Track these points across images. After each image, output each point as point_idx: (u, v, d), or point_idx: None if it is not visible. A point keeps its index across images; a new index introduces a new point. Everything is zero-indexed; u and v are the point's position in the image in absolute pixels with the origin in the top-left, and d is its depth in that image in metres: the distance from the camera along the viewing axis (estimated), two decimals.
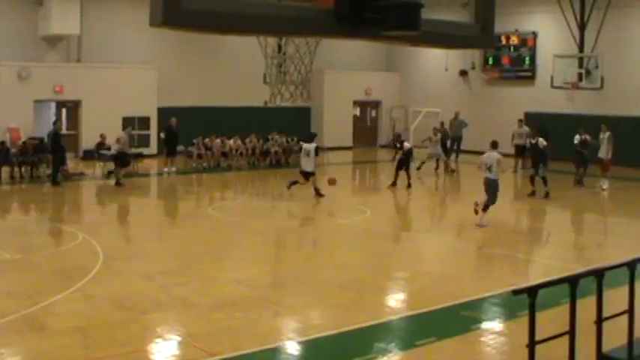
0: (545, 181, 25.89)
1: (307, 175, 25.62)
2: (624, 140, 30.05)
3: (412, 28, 6.88)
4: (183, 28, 6.97)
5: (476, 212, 21.36)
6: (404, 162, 28.26)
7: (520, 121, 34.68)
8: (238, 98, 38.68)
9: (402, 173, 27.90)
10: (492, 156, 21.32)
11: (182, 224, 22.66)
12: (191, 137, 33.16)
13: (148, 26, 6.96)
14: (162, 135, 33.15)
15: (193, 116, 35.52)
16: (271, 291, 14.86)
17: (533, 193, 26.19)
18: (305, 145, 25.89)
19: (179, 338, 11.67)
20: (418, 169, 31.42)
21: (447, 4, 29.06)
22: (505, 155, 34.59)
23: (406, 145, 28.58)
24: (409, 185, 28.08)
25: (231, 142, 34.02)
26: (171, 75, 37.13)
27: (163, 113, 35.55)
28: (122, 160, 29.09)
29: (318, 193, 25.72)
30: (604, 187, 27.90)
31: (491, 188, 21.34)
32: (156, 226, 22.11)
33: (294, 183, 25.58)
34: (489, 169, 21.26)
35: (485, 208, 21.26)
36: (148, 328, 12.15)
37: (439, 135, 33.33)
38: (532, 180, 26.57)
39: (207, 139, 33.60)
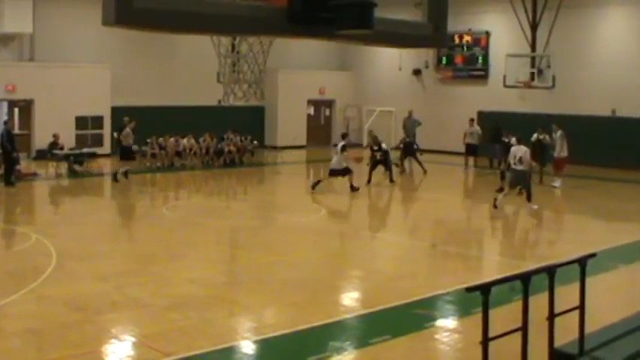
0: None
1: (332, 173, 26.99)
2: (575, 139, 30.33)
3: (365, 27, 6.91)
4: (137, 28, 6.94)
5: (495, 207, 23.33)
6: (384, 162, 28.77)
7: (471, 120, 34.86)
8: (192, 97, 38.53)
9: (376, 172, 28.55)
10: (522, 148, 23.20)
11: (136, 224, 22.55)
12: (145, 137, 32.99)
13: (101, 25, 6.92)
14: (116, 135, 32.90)
15: (147, 115, 35.30)
16: (226, 290, 14.84)
17: (501, 190, 26.46)
18: (339, 145, 27.37)
19: (134, 339, 11.60)
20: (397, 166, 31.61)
21: (400, 3, 29.14)
22: (457, 154, 35.11)
23: (384, 146, 28.98)
24: (392, 180, 29.07)
25: (185, 141, 33.89)
26: (125, 74, 36.87)
27: (117, 113, 35.29)
28: (127, 155, 29.73)
29: (353, 188, 26.64)
30: (556, 185, 28.16)
31: (524, 179, 23.39)
32: (110, 227, 21.95)
33: (318, 183, 27.03)
34: (519, 160, 22.82)
35: (529, 197, 23.52)
36: (103, 329, 12.06)
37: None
38: (502, 175, 26.98)
39: (161, 139, 33.44)
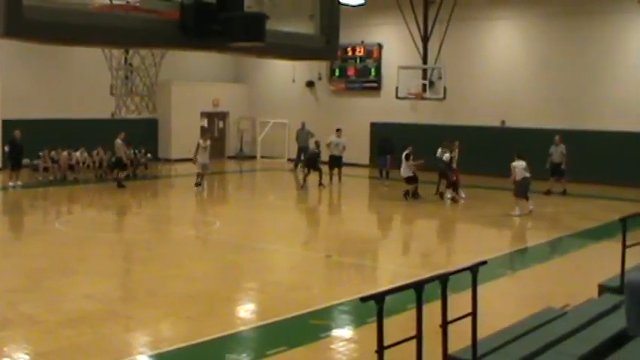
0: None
1: (409, 180, 27.90)
2: (465, 149, 30.77)
3: (257, 39, 6.93)
4: (27, 39, 6.83)
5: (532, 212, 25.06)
6: (311, 164, 30.49)
7: (338, 130, 34.46)
8: (85, 110, 37.94)
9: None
10: (522, 163, 25.16)
11: (28, 239, 22.12)
12: (37, 150, 32.40)
13: None
14: (6, 148, 32.15)
15: (39, 128, 34.62)
16: (121, 305, 14.68)
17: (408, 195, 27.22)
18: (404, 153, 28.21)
19: (27, 357, 11.39)
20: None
21: (294, 15, 29.27)
22: (351, 165, 35.33)
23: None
24: (321, 183, 30.31)
25: (77, 154, 33.40)
26: (16, 86, 36.06)
27: (7, 125, 34.55)
28: (119, 164, 31.37)
29: (413, 195, 28.14)
30: (449, 196, 28.56)
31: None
32: (0, 242, 21.49)
33: (407, 193, 27.93)
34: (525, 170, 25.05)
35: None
36: None
37: None
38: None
39: (53, 152, 32.89)
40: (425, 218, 26.17)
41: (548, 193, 29.79)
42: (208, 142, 30.93)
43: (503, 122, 36.09)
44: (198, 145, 30.58)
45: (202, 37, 6.99)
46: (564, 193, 29.97)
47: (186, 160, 40.42)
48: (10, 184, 30.46)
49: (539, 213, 25.81)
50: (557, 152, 30.06)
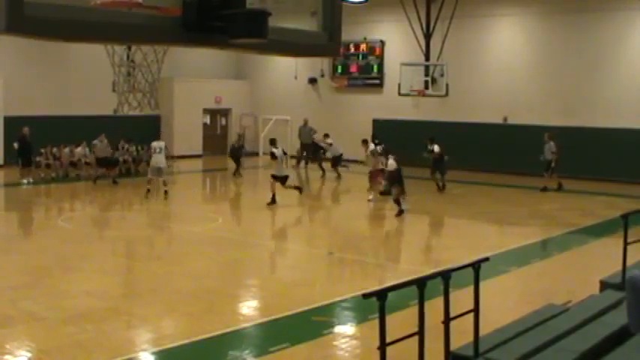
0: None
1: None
2: (468, 145, 30.87)
3: (259, 36, 6.91)
4: (28, 36, 6.82)
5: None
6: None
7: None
8: (88, 107, 37.92)
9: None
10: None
11: (30, 236, 22.14)
12: (39, 147, 32.41)
13: None
14: (15, 145, 32.07)
15: (42, 125, 34.59)
16: (123, 302, 14.68)
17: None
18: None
19: (29, 354, 11.41)
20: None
21: (295, 12, 29.24)
22: (353, 161, 35.35)
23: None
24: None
25: (79, 149, 33.36)
26: (18, 83, 36.05)
27: (10, 122, 34.59)
28: (106, 163, 31.82)
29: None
30: (370, 198, 27.46)
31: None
32: (3, 239, 21.49)
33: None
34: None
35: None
36: None
37: None
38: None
39: (55, 149, 32.88)
40: (426, 215, 26.14)
41: (544, 189, 29.74)
42: (162, 143, 28.83)
43: (505, 119, 36.05)
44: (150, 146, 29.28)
45: (204, 33, 6.98)
46: (560, 188, 29.88)
47: (188, 157, 40.61)
48: (24, 181, 30.40)
49: (539, 210, 25.80)
50: (547, 149, 29.93)
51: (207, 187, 35.69)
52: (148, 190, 27.38)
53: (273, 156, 26.32)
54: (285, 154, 27.30)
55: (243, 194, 28.28)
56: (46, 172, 32.31)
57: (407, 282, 7.95)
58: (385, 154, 25.98)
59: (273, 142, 26.99)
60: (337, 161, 34.02)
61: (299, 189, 27.47)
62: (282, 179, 26.18)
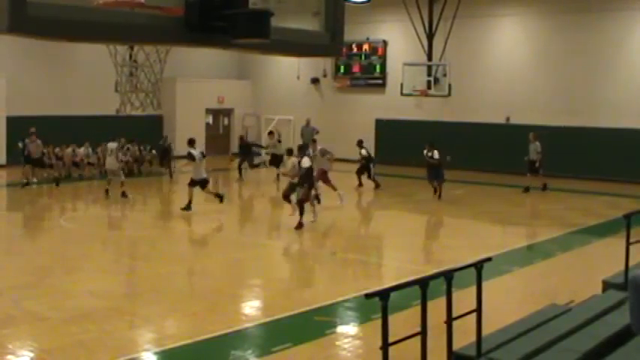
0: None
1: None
2: (470, 146, 30.87)
3: (262, 36, 6.91)
4: (31, 36, 6.81)
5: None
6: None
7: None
8: (90, 106, 37.92)
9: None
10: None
11: (33, 236, 22.15)
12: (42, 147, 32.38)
13: None
14: (20, 145, 31.99)
15: (44, 125, 34.60)
16: (125, 302, 14.69)
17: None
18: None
19: (32, 354, 11.40)
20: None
21: (298, 12, 29.27)
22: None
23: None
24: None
25: (81, 150, 33.37)
26: (21, 83, 36.10)
27: (13, 122, 34.60)
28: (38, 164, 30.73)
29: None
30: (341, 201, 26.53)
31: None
32: (5, 239, 21.51)
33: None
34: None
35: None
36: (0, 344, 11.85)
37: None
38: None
39: (57, 149, 32.88)
40: (428, 215, 26.15)
41: (526, 190, 29.63)
42: (115, 144, 28.12)
43: (508, 119, 36.04)
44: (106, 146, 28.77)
45: (207, 33, 6.98)
46: (545, 188, 29.81)
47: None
48: (34, 180, 30.39)
49: (542, 210, 25.78)
50: (532, 150, 29.84)
51: (210, 186, 35.63)
52: (107, 191, 27.23)
53: (190, 157, 24.69)
54: (204, 156, 25.11)
55: (244, 194, 28.25)
56: (49, 172, 32.29)
57: (409, 282, 7.97)
58: (301, 151, 23.77)
59: (191, 143, 25.17)
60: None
61: (220, 197, 25.36)
62: (202, 183, 24.68)
